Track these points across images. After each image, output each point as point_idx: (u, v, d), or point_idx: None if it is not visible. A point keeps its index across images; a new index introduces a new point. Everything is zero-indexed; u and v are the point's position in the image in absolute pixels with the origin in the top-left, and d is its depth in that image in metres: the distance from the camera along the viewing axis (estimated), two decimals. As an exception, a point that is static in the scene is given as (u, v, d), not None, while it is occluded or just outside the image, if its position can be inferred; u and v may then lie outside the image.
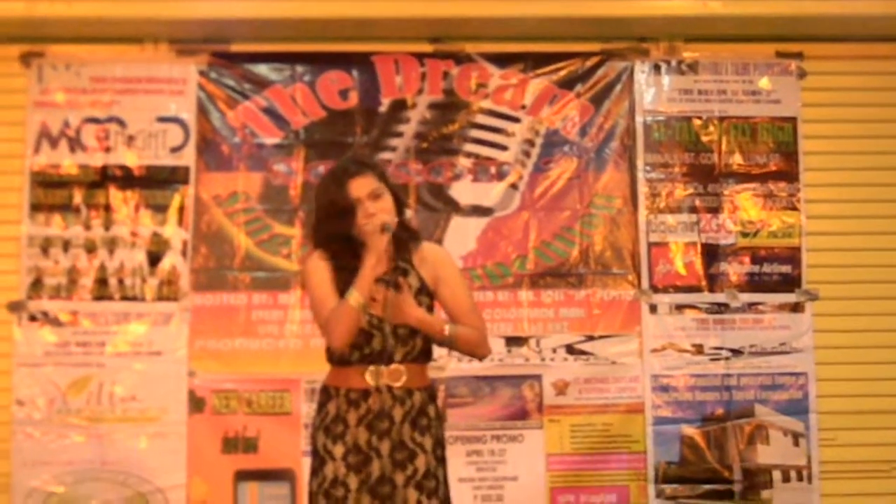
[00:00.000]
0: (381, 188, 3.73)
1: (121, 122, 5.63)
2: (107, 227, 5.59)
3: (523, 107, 5.74)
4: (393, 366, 3.68)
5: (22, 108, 5.63)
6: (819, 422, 5.62)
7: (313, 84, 5.69)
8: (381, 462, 3.64)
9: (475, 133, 5.72)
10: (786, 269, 5.70)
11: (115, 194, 5.61)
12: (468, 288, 3.93)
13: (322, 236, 3.79)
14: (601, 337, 5.63)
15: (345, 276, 3.66)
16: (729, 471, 5.57)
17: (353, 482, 3.63)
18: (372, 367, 3.68)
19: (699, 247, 5.69)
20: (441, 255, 3.91)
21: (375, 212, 3.67)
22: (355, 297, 3.59)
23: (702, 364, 5.62)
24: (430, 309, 3.74)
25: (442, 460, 3.74)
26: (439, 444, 3.74)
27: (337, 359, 3.75)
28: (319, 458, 3.71)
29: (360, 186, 3.70)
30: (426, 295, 3.75)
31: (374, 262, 3.61)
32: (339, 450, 3.67)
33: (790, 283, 5.69)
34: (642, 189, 5.70)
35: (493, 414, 5.57)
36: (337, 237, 3.72)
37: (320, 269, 3.76)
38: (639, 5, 5.63)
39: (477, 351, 3.85)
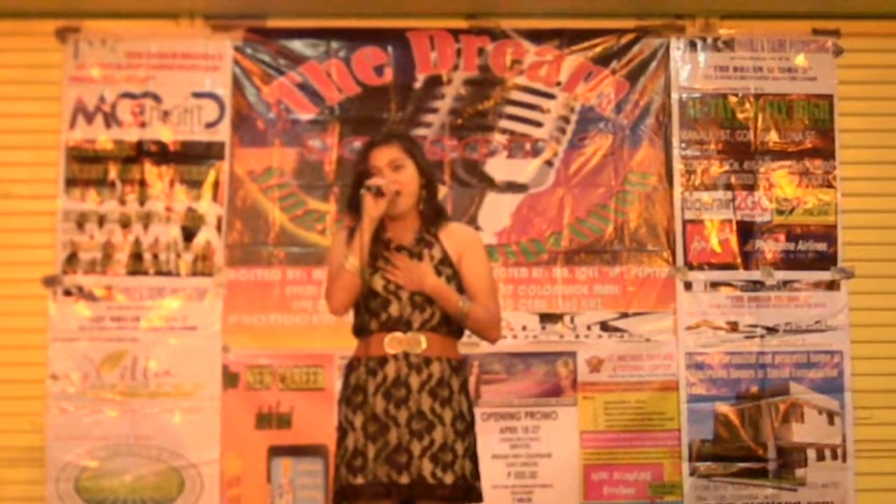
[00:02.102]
0: (404, 160, 3.74)
1: (156, 98, 5.64)
2: (142, 202, 5.60)
3: (558, 83, 5.73)
4: (411, 333, 3.68)
5: (58, 83, 5.64)
6: (854, 400, 5.60)
7: (348, 60, 5.69)
8: (398, 431, 3.62)
9: (510, 109, 5.72)
10: (821, 246, 5.68)
11: (150, 169, 5.62)
12: (491, 271, 3.91)
13: (347, 203, 3.82)
14: (635, 314, 5.62)
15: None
16: (763, 449, 5.56)
17: (370, 451, 3.61)
18: (390, 335, 3.68)
19: (734, 224, 5.67)
20: (469, 234, 3.94)
21: (393, 181, 3.69)
22: (350, 261, 3.65)
23: (736, 342, 5.61)
24: (450, 280, 3.71)
25: (463, 435, 3.68)
26: (461, 418, 3.69)
27: (359, 329, 3.76)
28: (342, 430, 3.71)
29: (382, 155, 3.74)
30: (448, 266, 3.74)
31: (365, 225, 3.63)
32: (358, 419, 3.66)
33: (826, 260, 5.67)
34: (677, 166, 5.68)
35: (527, 391, 5.56)
36: (355, 205, 3.73)
37: (338, 241, 3.84)
38: (675, -18, 5.65)
39: (487, 333, 3.84)
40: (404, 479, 3.59)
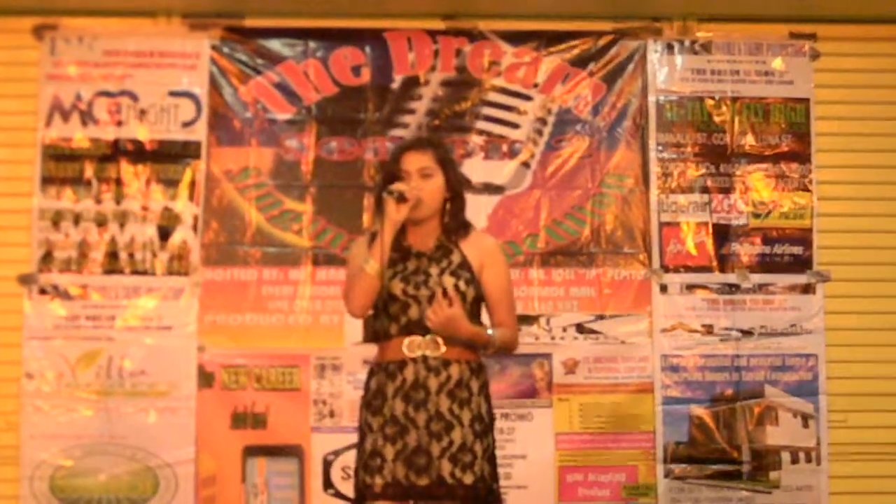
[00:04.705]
0: (434, 169, 3.76)
1: (133, 96, 5.63)
2: (118, 200, 5.59)
3: (536, 85, 5.73)
4: (429, 336, 3.69)
5: (34, 80, 5.62)
6: (829, 404, 5.61)
7: (326, 60, 5.69)
8: (417, 433, 3.65)
9: (487, 111, 5.72)
10: (797, 250, 5.69)
11: (126, 168, 5.61)
12: (511, 282, 3.93)
13: (374, 203, 3.86)
14: (611, 316, 5.63)
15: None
16: (738, 451, 5.57)
17: (389, 452, 3.65)
18: (409, 338, 3.70)
19: (710, 227, 5.68)
20: (491, 244, 3.95)
21: (418, 188, 3.71)
22: (371, 264, 3.67)
23: (712, 344, 5.62)
24: (468, 284, 3.73)
25: (481, 435, 3.70)
26: (479, 419, 3.71)
27: (378, 335, 3.80)
28: (361, 434, 3.75)
29: (413, 161, 3.76)
30: (467, 270, 3.76)
31: (386, 229, 3.66)
32: (377, 422, 3.69)
33: (801, 264, 5.68)
34: (654, 169, 5.69)
35: (502, 392, 5.53)
36: (382, 204, 3.75)
37: (360, 245, 3.87)
38: (652, -16, 5.65)
39: (510, 349, 3.92)
40: (423, 481, 3.63)
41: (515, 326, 3.90)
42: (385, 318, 3.75)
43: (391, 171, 3.79)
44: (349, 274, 3.86)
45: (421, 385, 3.67)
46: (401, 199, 3.66)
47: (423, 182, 3.73)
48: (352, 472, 3.84)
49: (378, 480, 3.64)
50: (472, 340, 3.73)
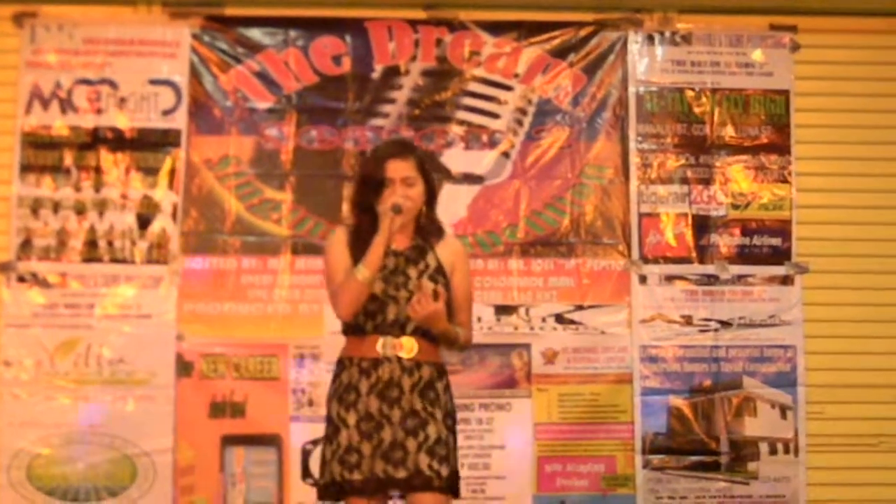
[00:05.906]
0: (416, 178, 3.87)
1: (113, 84, 5.62)
2: (97, 188, 5.58)
3: (516, 75, 5.73)
4: (404, 337, 3.80)
5: (14, 68, 5.61)
6: (807, 395, 5.63)
7: (306, 49, 5.68)
8: (392, 429, 3.75)
9: (467, 101, 5.72)
10: (776, 241, 5.70)
11: (105, 156, 5.59)
12: (472, 284, 4.09)
13: (353, 205, 3.97)
14: (590, 307, 5.63)
15: (363, 247, 3.80)
16: (716, 442, 5.58)
17: (366, 448, 3.74)
18: (384, 338, 3.80)
19: (690, 218, 5.69)
20: (461, 248, 4.10)
21: (402, 196, 3.81)
22: (362, 272, 3.76)
23: (690, 335, 5.63)
24: (445, 288, 3.82)
25: (452, 430, 3.85)
26: (449, 415, 3.86)
27: (352, 329, 3.87)
28: (334, 426, 3.82)
29: (398, 169, 3.85)
30: (442, 275, 3.88)
31: (383, 241, 3.76)
32: (351, 418, 3.78)
33: (780, 255, 5.69)
34: (634, 159, 5.70)
35: (481, 382, 5.56)
36: (365, 209, 3.88)
37: (339, 240, 3.94)
38: (633, -24, 5.66)
39: (467, 346, 4.08)
40: (401, 474, 3.72)
41: (470, 324, 4.02)
42: (361, 314, 3.83)
43: (375, 179, 3.86)
44: (332, 273, 3.91)
45: (395, 384, 3.78)
46: (398, 211, 3.78)
47: (407, 190, 3.84)
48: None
49: (356, 476, 3.73)
50: (446, 335, 3.84)
